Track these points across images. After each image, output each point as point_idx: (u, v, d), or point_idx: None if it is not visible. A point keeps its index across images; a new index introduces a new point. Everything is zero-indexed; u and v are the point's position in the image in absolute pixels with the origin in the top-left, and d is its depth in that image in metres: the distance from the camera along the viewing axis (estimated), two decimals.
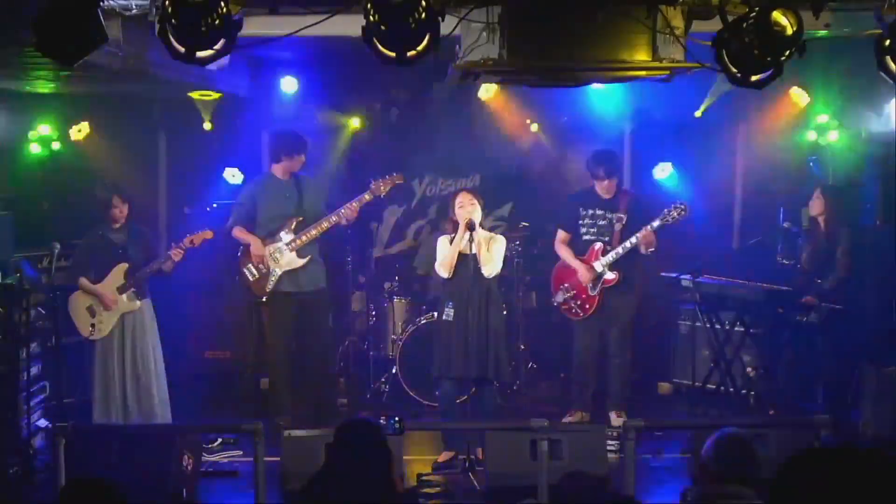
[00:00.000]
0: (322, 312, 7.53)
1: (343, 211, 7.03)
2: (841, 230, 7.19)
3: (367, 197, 7.12)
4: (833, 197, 7.30)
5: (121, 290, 6.75)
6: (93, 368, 6.79)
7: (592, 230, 7.22)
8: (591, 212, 7.22)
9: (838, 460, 2.07)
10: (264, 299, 7.19)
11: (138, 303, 6.80)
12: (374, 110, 8.85)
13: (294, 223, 7.13)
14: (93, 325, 6.72)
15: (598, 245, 7.14)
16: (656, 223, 6.92)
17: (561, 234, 7.35)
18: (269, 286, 7.10)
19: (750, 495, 3.40)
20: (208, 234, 6.89)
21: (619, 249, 7.03)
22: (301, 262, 7.13)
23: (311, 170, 7.64)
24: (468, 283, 6.30)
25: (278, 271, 7.11)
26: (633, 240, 6.98)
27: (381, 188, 7.14)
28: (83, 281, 6.77)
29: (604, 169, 7.13)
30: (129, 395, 6.73)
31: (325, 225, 7.08)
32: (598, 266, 7.10)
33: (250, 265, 7.17)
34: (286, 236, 7.12)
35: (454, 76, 5.27)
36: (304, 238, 7.09)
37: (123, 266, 6.76)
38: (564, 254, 7.30)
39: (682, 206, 6.90)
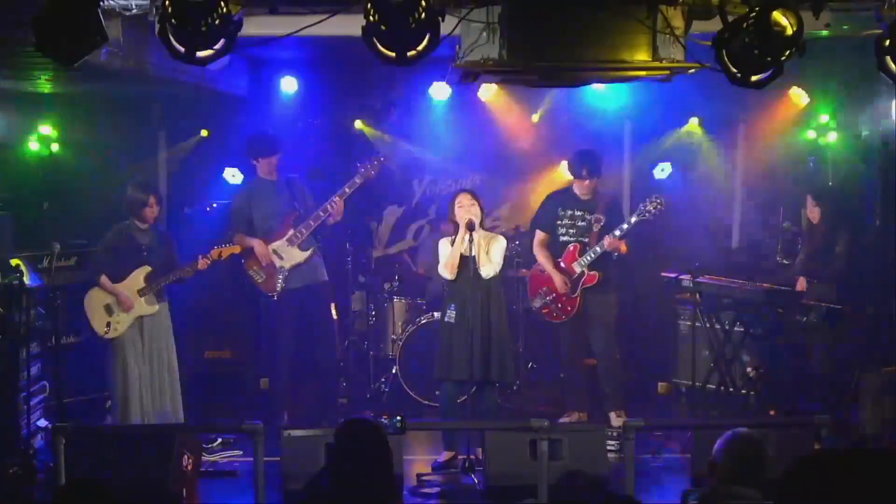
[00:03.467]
0: (325, 305, 7.56)
1: (335, 199, 7.09)
2: (840, 234, 7.12)
3: (357, 181, 7.16)
4: (828, 201, 7.26)
5: (141, 292, 6.66)
6: (113, 370, 6.67)
7: (571, 231, 7.17)
8: (569, 212, 7.16)
9: (844, 463, 2.07)
10: (275, 297, 7.17)
11: (157, 306, 6.72)
12: (374, 110, 8.84)
13: (291, 219, 7.17)
14: (108, 324, 6.63)
15: (575, 246, 7.09)
16: (633, 218, 6.90)
17: (539, 235, 7.28)
18: (279, 283, 7.09)
19: (756, 496, 3.39)
20: (236, 249, 6.93)
21: (597, 248, 6.99)
22: (304, 255, 7.17)
23: (296, 171, 7.70)
24: (468, 284, 6.28)
25: (286, 267, 7.12)
26: (604, 243, 6.97)
27: (371, 171, 7.16)
28: (104, 280, 6.66)
29: (587, 168, 7.07)
30: (147, 397, 6.66)
31: (321, 215, 7.13)
32: (577, 267, 7.06)
33: (255, 267, 7.19)
34: (286, 232, 7.15)
35: (454, 76, 5.28)
36: (303, 231, 7.13)
37: (146, 269, 6.68)
38: (542, 259, 7.23)
39: (659, 200, 6.84)
